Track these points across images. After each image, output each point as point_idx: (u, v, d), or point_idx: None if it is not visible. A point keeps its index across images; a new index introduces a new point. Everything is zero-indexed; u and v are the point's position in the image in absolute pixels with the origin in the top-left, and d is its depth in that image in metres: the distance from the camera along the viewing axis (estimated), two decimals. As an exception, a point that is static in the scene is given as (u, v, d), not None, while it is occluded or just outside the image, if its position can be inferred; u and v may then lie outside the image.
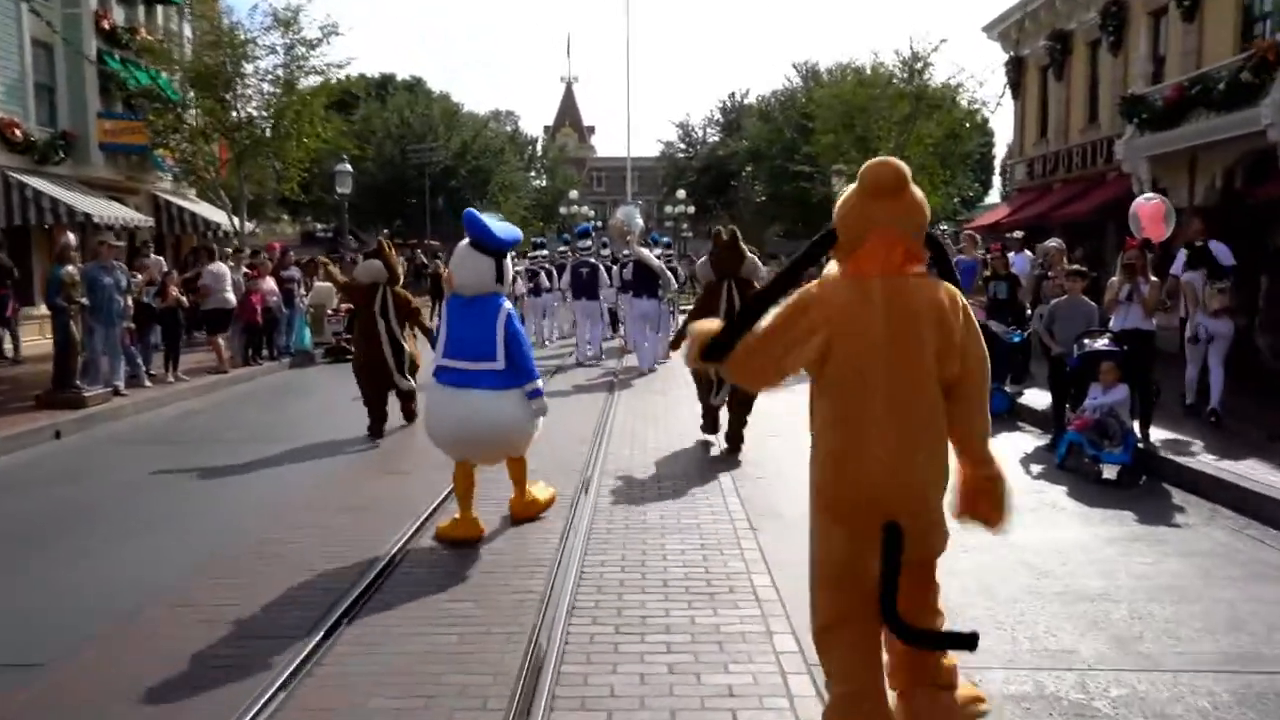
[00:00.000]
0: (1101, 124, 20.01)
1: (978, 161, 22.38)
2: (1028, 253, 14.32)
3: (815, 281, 3.23)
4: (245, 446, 9.14)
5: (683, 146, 62.15)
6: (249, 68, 17.64)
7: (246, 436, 9.80)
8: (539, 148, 63.42)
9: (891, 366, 3.02)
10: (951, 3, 69.62)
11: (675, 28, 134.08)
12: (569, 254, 17.30)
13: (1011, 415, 10.54)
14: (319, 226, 70.79)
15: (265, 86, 18.20)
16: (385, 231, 30.71)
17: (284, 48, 17.61)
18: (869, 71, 22.22)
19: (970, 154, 24.92)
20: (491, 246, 5.84)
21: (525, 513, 6.31)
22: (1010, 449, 8.78)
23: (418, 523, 6.27)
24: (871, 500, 3.02)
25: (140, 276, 12.92)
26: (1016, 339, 11.21)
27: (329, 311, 17.81)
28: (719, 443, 8.70)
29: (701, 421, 8.91)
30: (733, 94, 61.06)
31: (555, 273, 17.78)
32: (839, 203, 3.20)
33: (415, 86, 57.34)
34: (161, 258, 15.24)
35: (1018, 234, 14.74)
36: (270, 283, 16.20)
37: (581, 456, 8.27)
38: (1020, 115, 24.73)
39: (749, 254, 8.67)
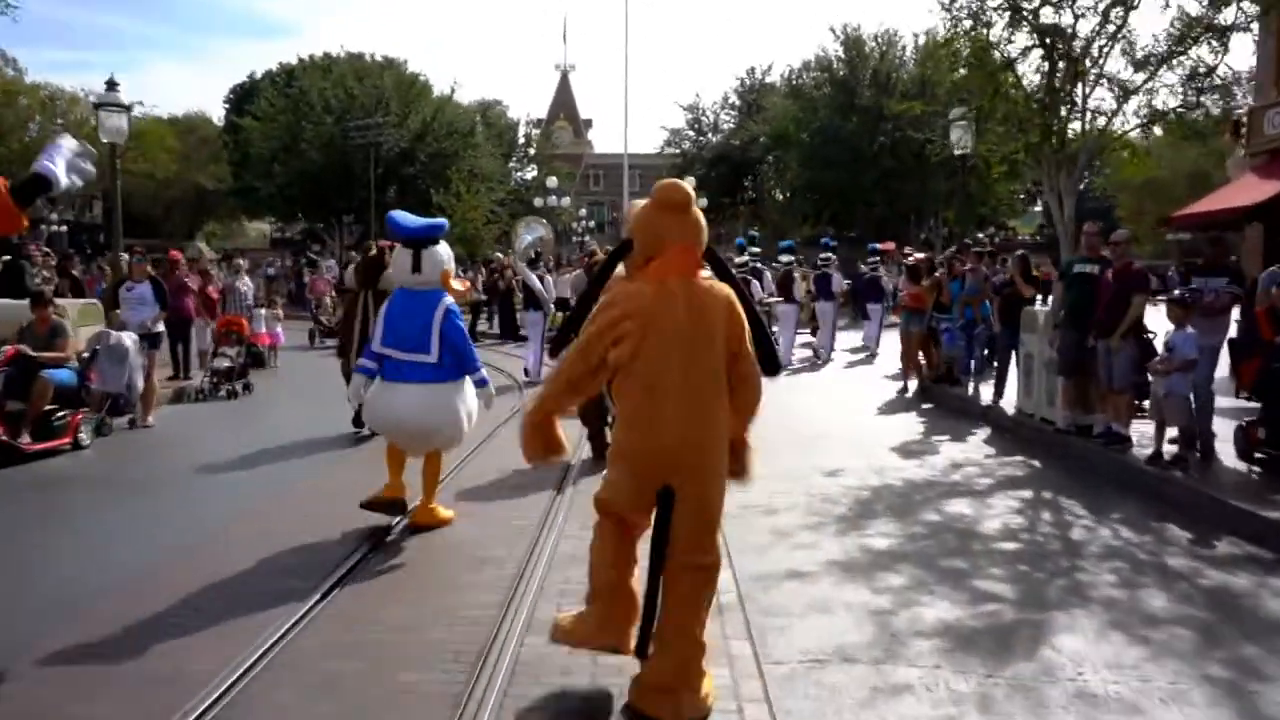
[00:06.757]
0: None
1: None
2: None
3: (615, 290, 3.84)
4: None
5: (691, 134, 51.97)
6: None
7: None
8: (520, 135, 53.35)
9: (689, 352, 3.70)
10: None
11: (682, 11, 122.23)
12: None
13: None
14: (281, 228, 59.89)
15: None
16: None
17: None
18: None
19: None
20: (399, 235, 6.19)
21: (424, 519, 6.32)
22: None
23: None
24: (660, 458, 3.72)
25: None
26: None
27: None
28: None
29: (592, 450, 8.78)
30: (752, 69, 50.95)
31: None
32: (633, 216, 3.90)
33: (388, 68, 47.06)
34: None
35: None
36: None
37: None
38: (1276, 32, 14.67)
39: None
